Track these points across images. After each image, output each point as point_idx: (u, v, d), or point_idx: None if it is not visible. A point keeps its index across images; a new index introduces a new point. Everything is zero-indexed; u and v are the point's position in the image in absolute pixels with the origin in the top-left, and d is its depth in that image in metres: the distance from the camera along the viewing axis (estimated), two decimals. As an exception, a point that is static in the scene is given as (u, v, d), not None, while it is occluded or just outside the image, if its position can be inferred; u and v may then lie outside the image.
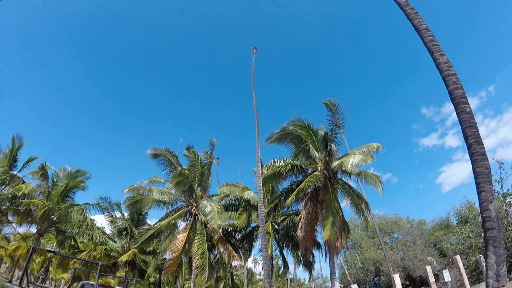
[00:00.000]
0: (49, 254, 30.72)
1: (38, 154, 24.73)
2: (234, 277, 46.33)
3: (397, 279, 12.67)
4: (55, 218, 23.17)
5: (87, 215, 22.47)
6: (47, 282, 44.51)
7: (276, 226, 25.52)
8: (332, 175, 17.84)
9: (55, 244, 25.67)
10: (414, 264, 28.84)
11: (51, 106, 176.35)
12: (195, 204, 21.51)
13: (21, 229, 28.83)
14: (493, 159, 17.67)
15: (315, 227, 17.99)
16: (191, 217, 21.52)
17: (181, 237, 20.08)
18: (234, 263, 26.21)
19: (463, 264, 14.28)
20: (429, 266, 13.60)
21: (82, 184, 24.71)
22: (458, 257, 14.49)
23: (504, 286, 5.36)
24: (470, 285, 13.67)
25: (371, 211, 22.96)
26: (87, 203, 24.04)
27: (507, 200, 16.82)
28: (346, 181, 18.50)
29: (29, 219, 22.14)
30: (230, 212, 23.57)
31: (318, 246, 21.53)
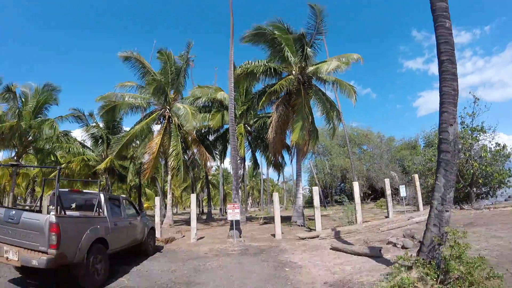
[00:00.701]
0: (32, 175, 31.09)
1: (-1, 75, 23.11)
2: (211, 177, 48.83)
3: (355, 187, 13.37)
4: (30, 138, 22.59)
5: (56, 126, 21.85)
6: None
7: (249, 128, 25.88)
8: (307, 80, 17.58)
9: (36, 164, 25.41)
10: (377, 176, 30.92)
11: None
12: (168, 107, 21.43)
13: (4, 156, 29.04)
14: (470, 92, 17.82)
15: (285, 130, 18.43)
16: (165, 120, 21.66)
17: (156, 140, 20.44)
18: (210, 164, 27.09)
19: (420, 184, 15.13)
20: (388, 179, 14.28)
21: (53, 98, 23.55)
22: (416, 176, 15.26)
23: (448, 211, 5.43)
24: (423, 205, 14.64)
25: (343, 121, 23.37)
26: (59, 116, 23.36)
27: (474, 135, 17.34)
28: (320, 88, 18.49)
29: (5, 143, 21.46)
30: (203, 114, 23.62)
31: (288, 149, 22.21)
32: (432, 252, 5.30)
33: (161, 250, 10.78)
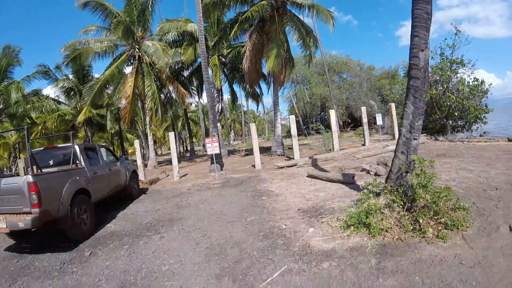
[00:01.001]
0: (11, 143, 29.74)
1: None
2: (192, 114, 48.35)
3: (332, 115, 13.52)
4: (1, 106, 21.58)
5: (22, 87, 20.60)
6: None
7: (223, 59, 24.96)
8: (281, 5, 16.58)
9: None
10: (356, 104, 31.18)
11: None
12: (137, 46, 20.26)
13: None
14: (451, 24, 17.27)
15: (260, 59, 17.77)
16: (135, 61, 20.59)
17: (129, 82, 19.66)
18: (187, 100, 26.62)
19: (397, 113, 15.31)
20: (365, 107, 14.42)
21: (15, 60, 21.86)
22: (393, 105, 15.41)
23: (416, 139, 5.48)
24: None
25: (321, 49, 22.78)
26: (26, 77, 22.23)
27: (454, 68, 17.21)
28: (296, 14, 17.59)
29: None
30: (175, 49, 22.61)
31: (265, 78, 21.89)
32: (400, 180, 5.40)
33: (146, 192, 11.02)
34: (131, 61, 21.03)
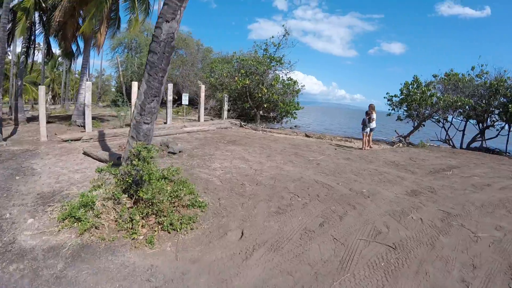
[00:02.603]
0: None
1: None
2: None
3: (134, 87, 12.22)
4: None
5: None
6: None
7: (43, 4, 20.00)
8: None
9: None
10: (184, 82, 30.47)
11: None
12: None
13: None
14: (283, 25, 18.44)
15: (79, 13, 14.97)
16: None
17: None
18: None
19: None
20: (171, 85, 13.63)
21: None
22: (202, 86, 15.24)
23: (147, 123, 4.80)
24: (215, 117, 14.84)
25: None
26: None
27: (272, 64, 18.57)
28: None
29: None
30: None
31: (85, 35, 18.53)
32: (133, 168, 4.66)
33: None
34: None
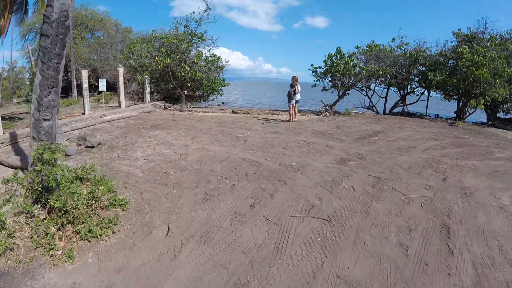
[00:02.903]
0: None
1: None
2: None
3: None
4: None
5: None
6: None
7: None
8: None
9: None
10: (103, 67, 28.17)
11: None
12: None
13: None
14: (204, 0, 17.33)
15: None
16: None
17: None
18: None
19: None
20: (86, 70, 12.30)
21: None
22: (120, 70, 14.11)
23: (48, 120, 4.22)
24: (139, 101, 13.79)
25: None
26: None
27: (194, 41, 17.67)
28: None
29: None
30: None
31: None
32: (38, 174, 3.98)
33: None
34: None
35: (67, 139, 8.34)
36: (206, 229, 3.95)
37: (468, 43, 15.84)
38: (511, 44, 15.20)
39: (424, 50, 17.44)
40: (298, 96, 12.47)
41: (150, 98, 17.56)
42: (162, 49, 17.21)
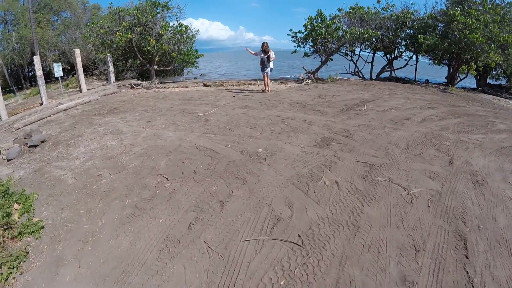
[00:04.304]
0: None
1: None
2: None
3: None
4: None
5: None
6: None
7: None
8: None
9: None
10: (71, 49, 26.38)
11: None
12: None
13: None
14: None
15: None
16: None
17: None
18: None
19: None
20: (37, 56, 10.92)
21: None
22: (77, 50, 12.72)
23: None
24: (107, 82, 12.51)
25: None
26: None
27: (157, 11, 16.04)
28: None
29: None
30: None
31: None
32: None
33: None
34: None
35: (16, 138, 7.20)
36: (124, 267, 3.01)
37: (460, 5, 14.76)
38: (502, 10, 14.31)
39: (412, 12, 16.37)
40: (271, 65, 11.39)
41: (124, 77, 16.18)
42: (124, 23, 15.54)
